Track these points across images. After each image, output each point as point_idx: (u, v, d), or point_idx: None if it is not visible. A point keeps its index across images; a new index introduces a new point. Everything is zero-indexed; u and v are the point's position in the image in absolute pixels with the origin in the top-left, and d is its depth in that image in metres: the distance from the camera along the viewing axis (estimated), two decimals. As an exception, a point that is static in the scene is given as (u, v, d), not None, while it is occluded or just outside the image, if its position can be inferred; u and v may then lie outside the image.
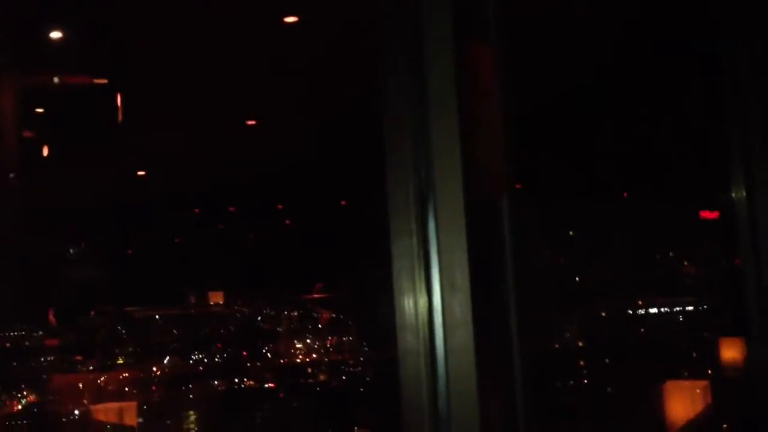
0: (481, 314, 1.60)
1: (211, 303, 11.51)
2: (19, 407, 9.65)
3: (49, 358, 10.59)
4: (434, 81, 1.61)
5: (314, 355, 10.75)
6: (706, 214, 9.66)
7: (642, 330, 9.93)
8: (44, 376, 10.18)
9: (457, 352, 1.58)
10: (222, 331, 11.37)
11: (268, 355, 11.00)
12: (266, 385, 10.60)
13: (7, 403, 9.69)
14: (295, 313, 11.11)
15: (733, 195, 2.91)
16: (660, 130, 8.48)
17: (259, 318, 11.43)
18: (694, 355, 9.06)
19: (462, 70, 1.62)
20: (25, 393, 9.79)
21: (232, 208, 13.70)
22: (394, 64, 1.64)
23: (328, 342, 10.76)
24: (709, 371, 7.77)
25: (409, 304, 1.62)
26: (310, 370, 10.73)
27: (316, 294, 10.81)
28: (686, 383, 7.01)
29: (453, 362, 1.58)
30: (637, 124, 8.39)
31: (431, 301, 1.61)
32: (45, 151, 10.46)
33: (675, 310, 9.74)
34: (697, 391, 6.70)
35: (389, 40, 1.65)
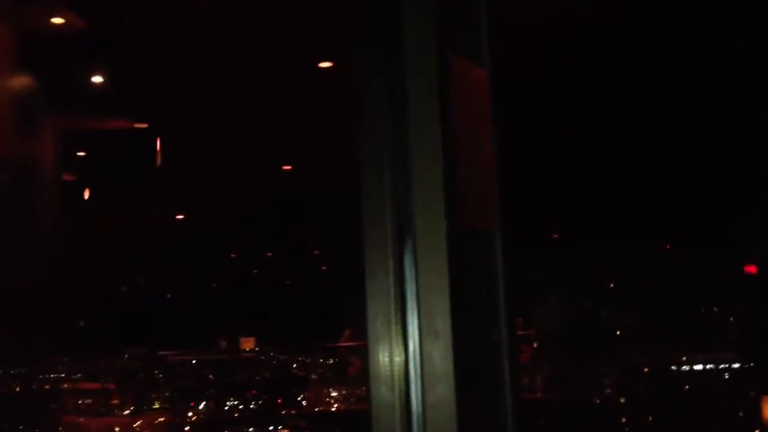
0: (465, 366, 1.40)
1: (244, 348, 11.40)
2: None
3: (86, 401, 10.58)
4: (415, 99, 1.42)
5: (347, 404, 10.51)
6: (751, 269, 9.35)
7: (686, 387, 9.62)
8: (81, 419, 10.16)
9: (435, 407, 1.38)
10: (257, 377, 11.25)
11: (303, 402, 10.83)
12: (301, 434, 10.42)
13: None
14: (330, 361, 10.91)
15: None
16: (706, 175, 8.24)
17: (293, 365, 11.27)
18: (740, 414, 8.73)
19: (448, 91, 1.44)
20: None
21: (269, 254, 13.64)
22: (372, 82, 1.46)
23: (360, 391, 10.52)
24: (756, 431, 7.47)
25: (384, 353, 1.42)
26: (344, 419, 10.51)
27: (344, 342, 10.61)
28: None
29: (431, 419, 1.38)
30: (679, 166, 8.19)
31: (408, 349, 1.41)
32: (86, 194, 10.52)
33: (720, 366, 9.44)
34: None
35: (367, 57, 1.48)
